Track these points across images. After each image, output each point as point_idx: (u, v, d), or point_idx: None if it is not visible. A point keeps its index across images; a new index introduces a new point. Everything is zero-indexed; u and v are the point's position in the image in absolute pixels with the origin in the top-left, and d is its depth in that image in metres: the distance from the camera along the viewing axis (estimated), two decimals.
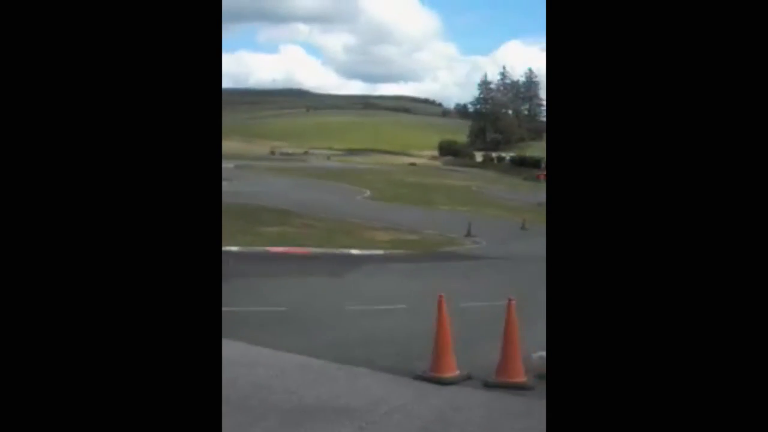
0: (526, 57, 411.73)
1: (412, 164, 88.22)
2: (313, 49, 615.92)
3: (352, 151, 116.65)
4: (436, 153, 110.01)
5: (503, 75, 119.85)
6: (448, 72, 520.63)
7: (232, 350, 6.34)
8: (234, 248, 14.26)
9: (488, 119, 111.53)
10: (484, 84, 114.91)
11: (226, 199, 17.61)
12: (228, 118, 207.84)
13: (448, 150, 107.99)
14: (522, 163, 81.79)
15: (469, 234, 20.46)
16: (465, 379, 5.53)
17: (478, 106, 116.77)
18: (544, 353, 5.22)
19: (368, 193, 32.49)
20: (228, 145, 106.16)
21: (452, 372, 5.55)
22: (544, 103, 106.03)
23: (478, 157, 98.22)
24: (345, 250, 15.18)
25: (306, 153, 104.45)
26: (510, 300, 5.49)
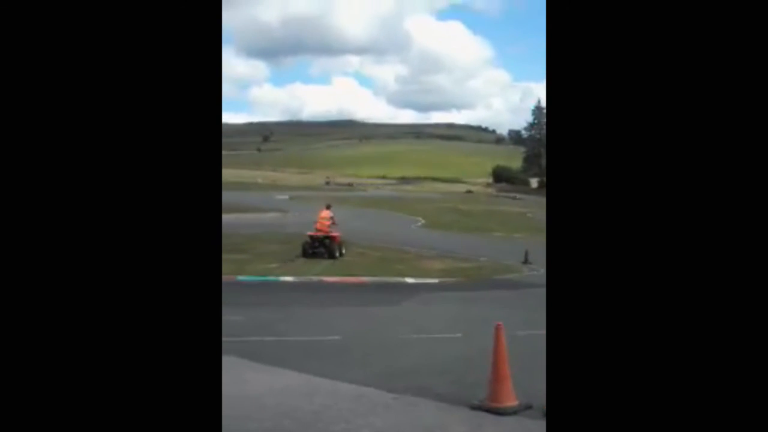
0: None
1: (469, 191, 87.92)
2: (365, 80, 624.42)
3: (405, 180, 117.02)
4: (490, 180, 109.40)
5: None
6: (501, 99, 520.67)
7: (289, 379, 6.36)
8: (289, 278, 14.37)
9: (542, 145, 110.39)
10: (538, 109, 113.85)
11: (280, 229, 17.82)
12: (283, 150, 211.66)
13: (502, 176, 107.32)
14: None
15: (526, 261, 20.13)
16: (524, 409, 5.39)
17: (532, 132, 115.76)
18: None
19: (422, 221, 32.42)
20: (283, 177, 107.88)
21: (511, 402, 5.42)
22: None
23: (533, 183, 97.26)
24: (399, 279, 15.12)
25: (359, 182, 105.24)
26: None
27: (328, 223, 18.11)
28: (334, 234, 18.13)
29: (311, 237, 18.02)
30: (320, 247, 17.70)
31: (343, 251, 18.27)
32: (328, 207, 18.88)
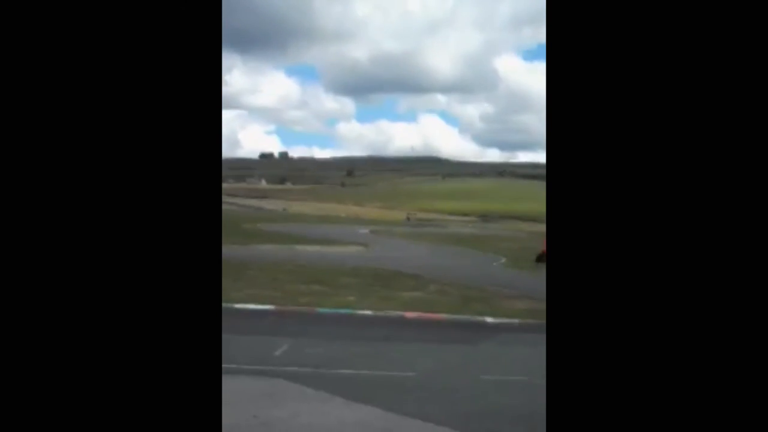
0: None
1: None
2: (450, 118, 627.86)
3: (487, 218, 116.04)
4: None
5: None
6: None
7: (365, 414, 6.35)
8: (368, 312, 14.42)
9: None
10: None
11: (360, 263, 17.90)
12: (366, 186, 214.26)
13: None
14: None
15: None
16: None
17: None
18: None
19: (503, 260, 31.98)
20: (365, 211, 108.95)
21: None
22: None
23: None
24: (479, 318, 14.92)
25: (440, 219, 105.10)
26: None
27: None
28: None
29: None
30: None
31: None
32: None
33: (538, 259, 28.14)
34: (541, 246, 29.84)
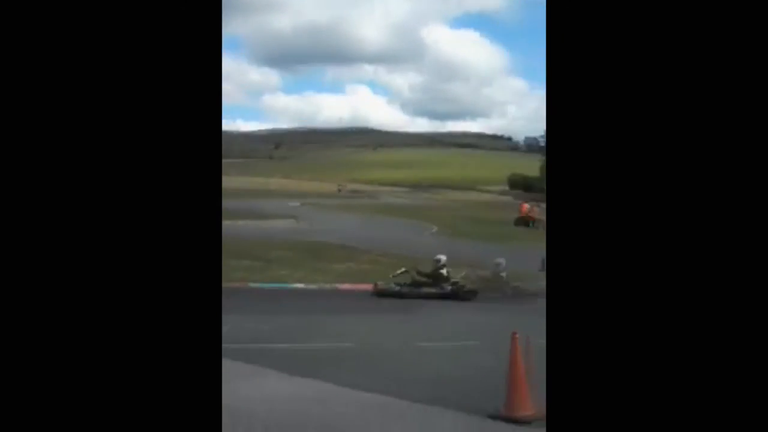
0: None
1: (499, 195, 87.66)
2: (379, 88, 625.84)
3: (418, 187, 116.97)
4: (506, 188, 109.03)
5: None
6: (517, 107, 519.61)
7: (303, 387, 6.28)
8: (301, 285, 14.32)
9: None
10: None
11: (291, 236, 17.79)
12: (295, 158, 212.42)
13: (519, 184, 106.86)
14: None
15: (543, 269, 20.00)
16: (542, 419, 5.29)
17: None
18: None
19: (435, 228, 32.32)
20: (296, 184, 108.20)
21: (528, 411, 5.33)
22: None
23: None
24: None
25: (372, 190, 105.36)
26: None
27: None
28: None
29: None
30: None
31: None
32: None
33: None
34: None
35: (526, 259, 17.52)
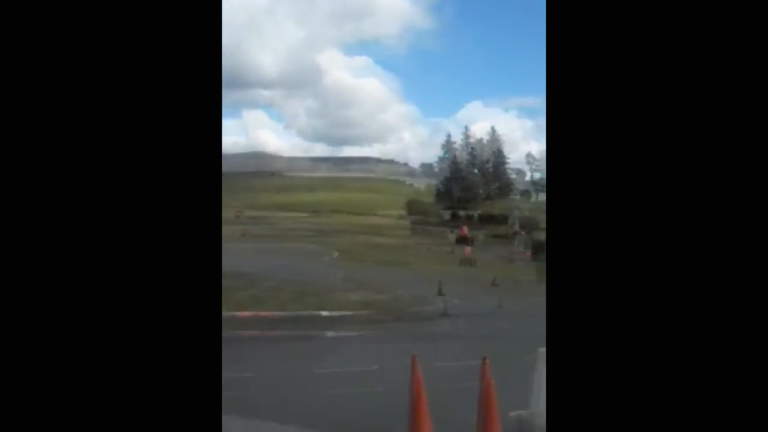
0: (487, 117, 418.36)
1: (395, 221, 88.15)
2: (275, 114, 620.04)
3: (318, 212, 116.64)
4: (403, 213, 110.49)
5: (466, 135, 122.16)
6: (411, 134, 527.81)
7: None
8: None
9: (454, 178, 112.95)
10: (448, 144, 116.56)
11: None
12: None
13: (415, 210, 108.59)
14: (490, 220, 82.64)
15: (440, 293, 20.36)
16: None
17: (444, 166, 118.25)
18: (520, 412, 5.12)
19: (336, 254, 32.29)
20: None
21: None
22: (508, 161, 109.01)
23: (446, 215, 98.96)
24: (314, 312, 14.95)
25: (271, 215, 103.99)
26: (484, 359, 5.38)
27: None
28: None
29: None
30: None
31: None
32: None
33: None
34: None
35: (424, 282, 17.78)
